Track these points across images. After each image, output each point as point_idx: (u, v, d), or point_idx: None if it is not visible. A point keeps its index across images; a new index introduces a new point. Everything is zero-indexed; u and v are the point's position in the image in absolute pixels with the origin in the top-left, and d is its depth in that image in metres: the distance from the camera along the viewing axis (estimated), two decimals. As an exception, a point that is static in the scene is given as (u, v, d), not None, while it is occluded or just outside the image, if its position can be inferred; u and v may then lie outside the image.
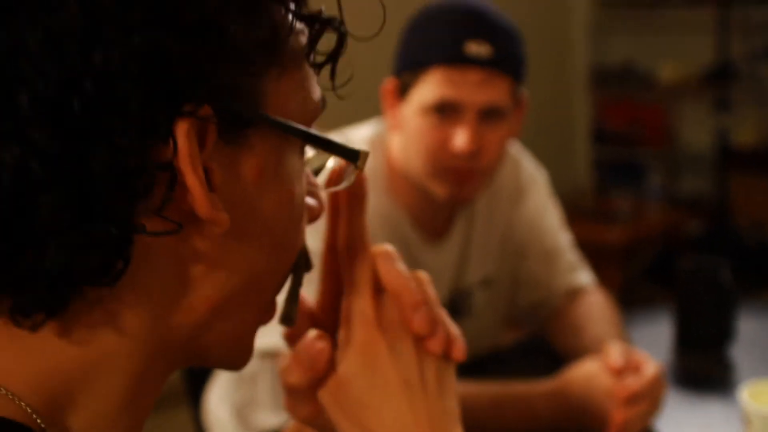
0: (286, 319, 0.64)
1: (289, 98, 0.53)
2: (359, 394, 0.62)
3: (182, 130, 0.48)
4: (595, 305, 1.63)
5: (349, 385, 0.62)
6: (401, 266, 0.65)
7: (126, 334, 0.51)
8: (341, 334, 0.64)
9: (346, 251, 0.65)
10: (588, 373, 1.34)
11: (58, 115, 0.45)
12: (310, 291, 0.69)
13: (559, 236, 1.69)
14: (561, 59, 4.67)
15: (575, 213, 3.43)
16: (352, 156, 0.57)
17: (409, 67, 1.43)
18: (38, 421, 0.49)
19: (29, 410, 0.49)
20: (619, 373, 1.31)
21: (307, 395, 0.65)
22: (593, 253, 2.12)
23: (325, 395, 0.64)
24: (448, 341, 0.64)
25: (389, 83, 1.49)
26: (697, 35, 4.40)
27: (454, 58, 1.38)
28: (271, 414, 1.49)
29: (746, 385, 1.29)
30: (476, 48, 1.37)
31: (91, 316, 0.50)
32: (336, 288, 0.67)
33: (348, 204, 0.65)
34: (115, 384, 0.51)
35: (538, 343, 1.73)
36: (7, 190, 0.45)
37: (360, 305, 0.63)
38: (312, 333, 0.65)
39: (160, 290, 0.51)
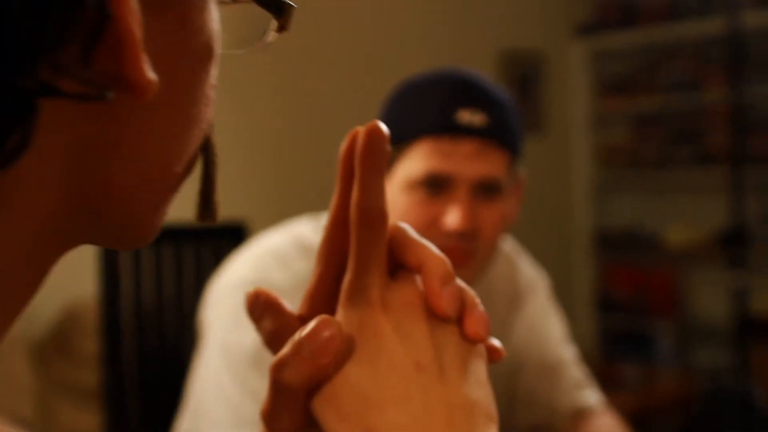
0: (205, 215, 0.54)
1: None
2: (358, 386, 0.53)
3: None
4: (606, 428, 1.47)
5: (345, 379, 0.53)
6: (427, 241, 0.58)
7: (11, 228, 0.42)
8: (338, 316, 0.57)
9: (359, 222, 0.57)
10: None
11: None
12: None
13: (562, 348, 1.56)
14: (562, 222, 4.69)
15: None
16: (277, 8, 0.51)
17: (392, 141, 1.35)
18: None
19: None
20: None
21: (297, 401, 0.55)
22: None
23: (319, 401, 0.54)
24: (484, 323, 0.56)
25: None
26: (707, 196, 4.39)
27: (444, 128, 1.29)
28: None
29: None
30: (469, 116, 1.29)
31: None
32: (337, 270, 0.59)
33: (364, 164, 0.56)
34: None
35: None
36: None
37: (363, 284, 0.56)
38: (319, 318, 0.55)
39: (53, 179, 0.42)
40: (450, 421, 0.52)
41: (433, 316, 0.56)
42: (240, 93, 3.35)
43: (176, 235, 1.94)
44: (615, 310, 4.63)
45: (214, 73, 0.47)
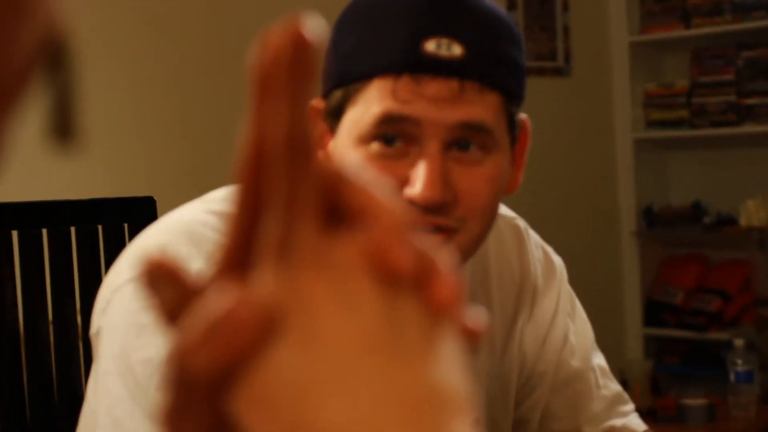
0: (63, 130, 0.46)
1: None
2: (289, 374, 0.46)
3: None
4: None
5: (270, 365, 0.46)
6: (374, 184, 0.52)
7: None
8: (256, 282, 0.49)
9: (282, 154, 0.49)
10: None
11: None
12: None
13: (590, 357, 1.40)
14: (597, 198, 4.32)
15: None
16: None
17: (340, 82, 1.19)
18: None
19: None
20: None
21: (205, 398, 0.48)
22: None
23: (237, 397, 0.47)
24: (456, 288, 0.49)
25: (313, 106, 1.24)
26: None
27: (404, 66, 1.14)
28: None
29: None
30: (436, 48, 1.14)
31: None
32: (256, 217, 0.51)
33: (291, 83, 0.48)
34: None
35: None
36: None
37: (290, 236, 0.49)
38: (227, 287, 0.48)
39: None
40: (410, 416, 0.47)
41: (387, 279, 0.49)
42: (130, 31, 2.91)
43: (52, 213, 1.73)
44: (672, 314, 4.17)
45: None
